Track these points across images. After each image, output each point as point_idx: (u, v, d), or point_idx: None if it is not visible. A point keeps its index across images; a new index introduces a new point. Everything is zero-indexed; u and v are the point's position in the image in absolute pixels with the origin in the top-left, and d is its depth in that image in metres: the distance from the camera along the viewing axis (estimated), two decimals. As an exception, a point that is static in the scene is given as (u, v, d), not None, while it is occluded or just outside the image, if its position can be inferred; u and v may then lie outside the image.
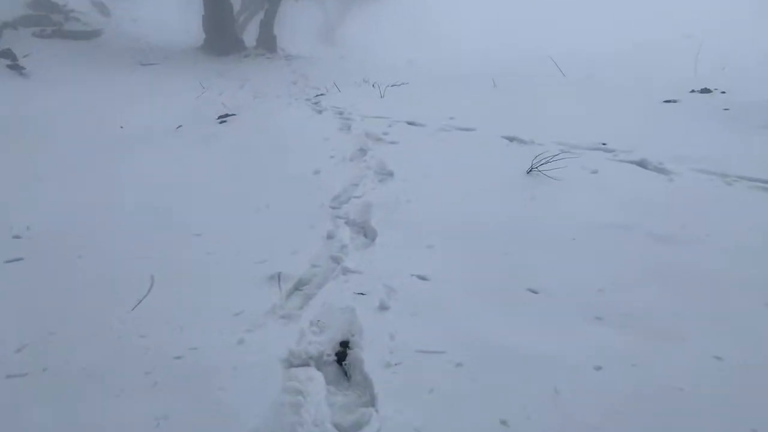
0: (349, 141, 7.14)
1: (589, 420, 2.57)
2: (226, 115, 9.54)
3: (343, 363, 3.10)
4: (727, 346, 2.99)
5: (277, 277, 3.91)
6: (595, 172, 5.42)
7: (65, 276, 4.13)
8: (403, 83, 11.41)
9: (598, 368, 2.87)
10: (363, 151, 6.68)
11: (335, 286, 3.82)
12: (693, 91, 8.32)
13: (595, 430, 2.53)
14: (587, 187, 5.16)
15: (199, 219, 5.08)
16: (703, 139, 6.15)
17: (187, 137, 8.41)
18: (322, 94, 11.56)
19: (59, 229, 4.99)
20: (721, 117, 6.89)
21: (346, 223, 4.88)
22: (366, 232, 4.71)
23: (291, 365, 3.02)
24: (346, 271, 3.99)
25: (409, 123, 7.69)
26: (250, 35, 23.64)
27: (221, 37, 20.83)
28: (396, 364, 2.96)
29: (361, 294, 3.66)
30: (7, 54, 13.64)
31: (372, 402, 2.74)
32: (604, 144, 6.18)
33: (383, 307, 3.48)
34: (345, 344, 3.21)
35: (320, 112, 9.13)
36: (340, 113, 8.77)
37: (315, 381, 2.89)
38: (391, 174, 5.81)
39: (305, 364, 3.04)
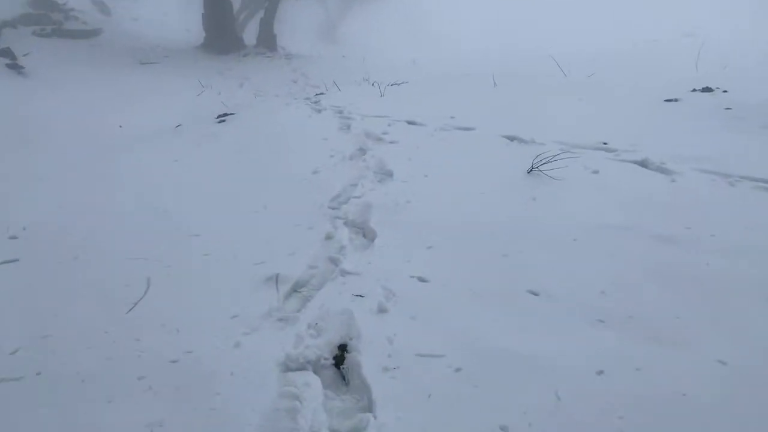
0: (349, 140, 7.10)
1: (591, 427, 2.52)
2: (225, 115, 9.49)
3: (341, 367, 3.05)
4: (731, 349, 2.94)
5: (275, 279, 3.87)
6: (596, 171, 5.37)
7: (61, 277, 4.08)
8: (403, 82, 11.38)
9: (600, 373, 2.82)
10: (362, 151, 6.64)
11: (333, 288, 3.78)
12: (694, 90, 8.25)
13: (596, 436, 2.49)
14: (588, 187, 5.11)
15: (197, 219, 5.04)
16: (705, 139, 6.10)
17: (185, 137, 8.37)
18: (322, 93, 11.52)
19: (56, 230, 4.95)
20: (723, 116, 6.84)
21: (345, 223, 4.83)
22: (365, 232, 4.67)
23: (288, 369, 2.98)
24: (344, 272, 3.95)
25: (409, 122, 7.64)
26: (250, 34, 23.58)
27: (221, 35, 20.77)
28: (394, 368, 2.92)
29: (360, 296, 3.62)
30: (7, 53, 13.57)
31: (370, 407, 2.70)
32: (605, 143, 6.13)
33: (382, 310, 3.43)
34: (343, 348, 3.17)
35: (320, 111, 9.08)
36: (340, 112, 8.72)
37: (312, 386, 2.85)
38: (390, 174, 5.77)
39: (302, 369, 3.00)
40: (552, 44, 12.46)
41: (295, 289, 3.85)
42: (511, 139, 6.54)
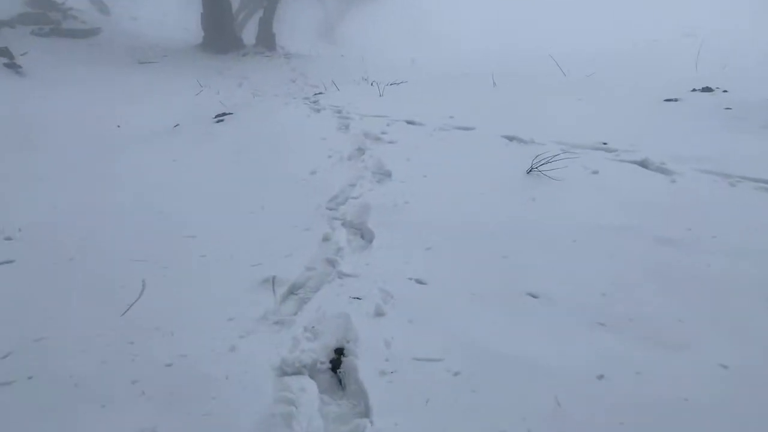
0: (347, 140, 7.07)
1: (591, 432, 2.49)
2: (224, 114, 9.46)
3: (338, 371, 3.01)
4: (733, 353, 2.89)
5: (271, 281, 3.82)
6: (596, 172, 5.33)
7: (56, 279, 4.04)
8: (402, 82, 11.34)
9: (601, 377, 2.77)
10: (361, 151, 6.61)
11: (330, 291, 3.73)
12: (694, 89, 8.23)
13: (597, 442, 2.45)
14: (588, 187, 5.07)
15: (194, 220, 5.00)
16: (706, 139, 6.07)
17: (183, 136, 8.34)
18: (320, 93, 11.48)
19: (52, 231, 4.91)
20: (723, 116, 6.81)
21: (343, 224, 4.79)
22: (363, 233, 4.63)
23: (284, 374, 2.93)
24: (341, 274, 3.90)
25: (408, 122, 7.61)
26: (249, 33, 23.59)
27: (220, 35, 20.76)
28: (392, 373, 2.87)
29: (357, 299, 3.57)
30: (4, 52, 13.53)
31: (366, 413, 2.65)
32: (605, 143, 6.10)
33: (379, 313, 3.39)
34: (340, 351, 3.12)
35: (318, 111, 9.05)
36: (339, 112, 8.70)
37: (308, 391, 2.80)
38: (389, 174, 5.73)
39: (298, 373, 2.95)
40: (552, 44, 12.43)
41: (292, 291, 3.80)
42: (511, 139, 6.51)
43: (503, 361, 2.91)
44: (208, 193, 5.74)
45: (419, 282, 3.74)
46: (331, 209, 5.12)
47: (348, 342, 3.16)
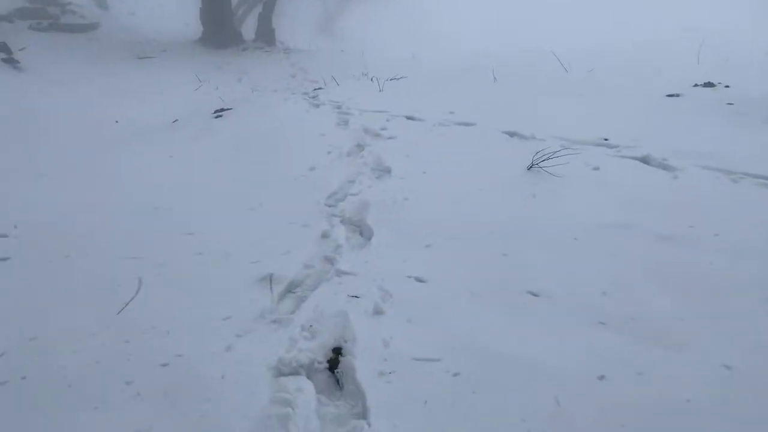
0: (347, 136, 7.02)
1: (592, 434, 2.45)
2: (223, 110, 9.40)
3: (335, 371, 2.97)
4: (736, 353, 2.86)
5: (269, 279, 3.78)
6: (597, 168, 5.29)
7: (51, 277, 3.99)
8: (402, 77, 11.29)
9: (602, 377, 2.73)
10: (360, 147, 6.57)
11: (329, 289, 3.69)
12: (696, 85, 8.18)
13: (598, 444, 2.41)
14: (589, 184, 5.03)
15: (191, 217, 4.97)
16: (708, 134, 6.03)
17: (182, 132, 8.29)
18: (320, 88, 11.44)
19: (48, 228, 4.87)
20: (725, 111, 6.76)
21: (342, 221, 4.75)
22: (362, 231, 4.59)
23: (280, 374, 2.89)
24: (340, 272, 3.86)
25: (408, 117, 7.57)
26: (248, 28, 23.52)
27: (219, 30, 20.70)
28: (390, 373, 2.83)
29: (355, 297, 3.53)
30: (2, 47, 13.49)
31: (364, 414, 2.61)
32: (606, 139, 6.06)
33: (378, 312, 3.34)
34: (337, 351, 3.08)
35: (318, 106, 9.00)
36: (338, 107, 8.65)
37: (305, 391, 2.75)
38: (388, 171, 5.69)
39: (295, 373, 2.91)
40: (552, 43, 12.35)
41: (290, 289, 3.76)
42: (511, 134, 6.46)
43: (503, 361, 2.87)
44: (205, 189, 5.70)
45: (418, 280, 3.70)
46: (329, 206, 5.08)
47: (346, 341, 3.12)
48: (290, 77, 16.74)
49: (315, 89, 11.38)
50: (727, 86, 7.93)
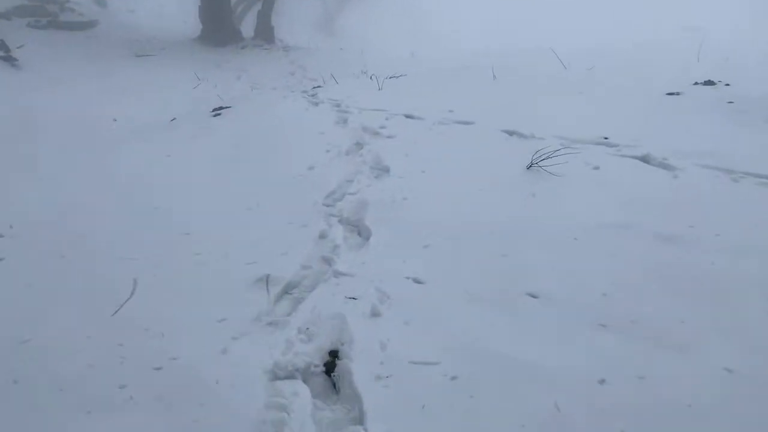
0: (346, 135, 6.98)
1: (592, 440, 2.41)
2: (221, 108, 9.36)
3: (332, 374, 2.93)
4: (738, 356, 2.82)
5: (266, 280, 3.74)
6: (597, 167, 5.24)
7: (46, 278, 3.95)
8: (401, 75, 11.24)
9: (602, 381, 2.69)
10: (359, 146, 6.52)
11: (326, 290, 3.65)
12: (696, 83, 8.14)
13: (598, 450, 2.37)
14: (589, 183, 4.99)
15: (188, 217, 4.93)
16: (708, 133, 5.99)
17: (180, 131, 8.24)
18: (319, 86, 11.39)
19: (43, 228, 4.84)
20: (725, 110, 6.71)
21: (340, 221, 4.71)
22: (360, 231, 4.56)
23: (276, 378, 2.85)
24: (337, 273, 3.82)
25: (407, 116, 7.51)
26: (247, 26, 23.44)
27: (218, 27, 20.61)
28: (387, 377, 2.79)
29: (353, 299, 3.49)
30: (0, 45, 13.42)
31: (361, 419, 2.57)
32: (606, 138, 6.01)
33: (375, 314, 3.31)
34: (334, 354, 3.04)
35: (317, 104, 8.95)
36: (337, 106, 8.59)
37: (300, 395, 2.72)
38: (387, 170, 5.65)
39: (291, 377, 2.87)
40: (552, 43, 12.28)
41: (287, 290, 3.73)
42: (511, 133, 6.41)
43: (502, 364, 2.84)
44: (203, 189, 5.66)
45: (416, 281, 3.66)
46: (328, 205, 5.04)
47: (343, 344, 3.08)
48: (289, 75, 16.67)
49: (314, 87, 11.32)
50: (728, 84, 7.88)
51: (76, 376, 2.87)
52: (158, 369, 2.91)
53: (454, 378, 2.76)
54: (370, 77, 11.19)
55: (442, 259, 3.93)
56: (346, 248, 4.25)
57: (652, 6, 25.33)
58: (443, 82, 9.85)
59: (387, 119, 7.41)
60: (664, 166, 5.19)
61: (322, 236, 4.43)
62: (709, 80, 8.13)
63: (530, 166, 5.29)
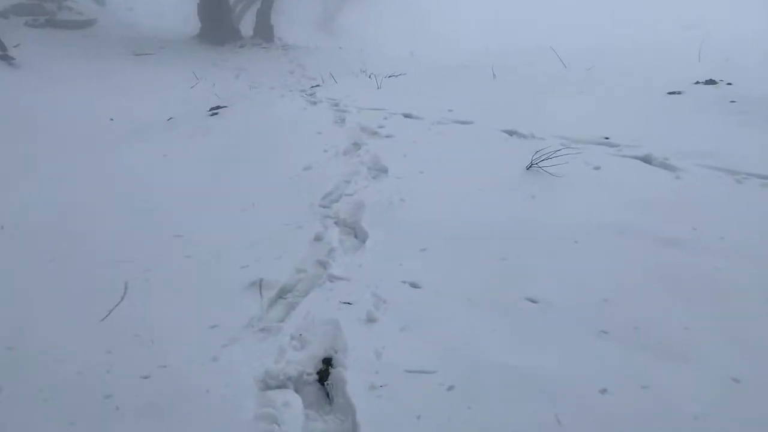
0: (343, 135, 6.90)
1: (594, 453, 2.32)
2: (218, 107, 9.29)
3: (325, 383, 2.84)
4: (744, 365, 2.72)
5: (259, 285, 3.65)
6: (597, 168, 5.15)
7: (34, 282, 3.88)
8: (401, 74, 11.17)
9: (604, 391, 2.60)
10: (357, 146, 6.45)
11: (320, 295, 3.56)
12: (698, 82, 8.05)
13: (600, 463, 2.28)
14: (590, 184, 4.90)
15: (182, 218, 4.85)
16: (710, 133, 5.90)
17: (176, 130, 8.18)
18: (317, 85, 11.34)
19: (35, 230, 4.77)
20: (727, 110, 6.63)
21: (336, 223, 4.63)
22: (356, 233, 4.47)
23: (267, 387, 2.76)
24: (332, 277, 3.73)
25: (406, 115, 7.44)
26: (246, 25, 23.39)
27: (217, 26, 20.56)
28: (381, 387, 2.70)
29: (348, 304, 3.40)
30: (-3, 44, 13.38)
31: (354, 430, 2.49)
32: (606, 138, 5.93)
33: (371, 319, 3.22)
34: (328, 362, 2.96)
35: (315, 103, 8.88)
36: (336, 105, 8.53)
37: (292, 406, 2.63)
38: (385, 170, 5.56)
39: (283, 386, 2.78)
40: (552, 43, 12.20)
41: (281, 295, 3.64)
42: (511, 133, 6.33)
43: (500, 373, 2.74)
44: (198, 189, 5.58)
45: (413, 286, 3.57)
46: (324, 207, 4.95)
47: (336, 352, 2.99)
48: (288, 74, 16.63)
49: (313, 86, 11.26)
50: (730, 83, 7.80)
51: (61, 385, 2.79)
52: (146, 378, 2.83)
53: (451, 388, 2.67)
54: (369, 76, 11.14)
55: (439, 263, 3.84)
56: (342, 251, 4.16)
57: (651, 5, 25.29)
58: (442, 82, 9.79)
59: (385, 119, 7.33)
60: (666, 166, 5.10)
61: (318, 238, 4.34)
62: (711, 79, 8.05)
63: (530, 167, 5.20)
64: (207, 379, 2.80)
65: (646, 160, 5.30)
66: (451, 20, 27.13)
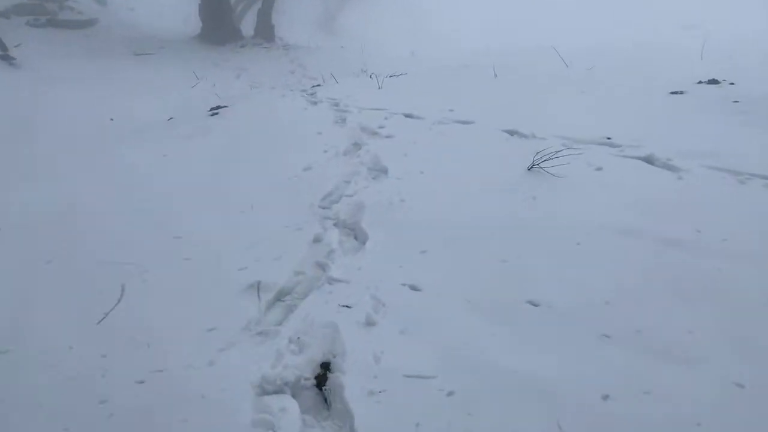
0: (344, 135, 6.85)
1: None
2: (219, 107, 9.24)
3: (323, 388, 2.80)
4: (749, 370, 2.68)
5: (257, 287, 3.61)
6: (599, 168, 5.11)
7: (31, 284, 3.84)
8: (402, 74, 11.12)
9: (606, 397, 2.56)
10: (357, 146, 6.40)
11: (319, 297, 3.52)
12: (700, 82, 8.01)
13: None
14: (592, 185, 4.85)
15: (181, 220, 4.81)
16: (713, 133, 5.86)
17: (176, 130, 8.12)
18: (318, 85, 11.27)
19: (31, 231, 4.73)
20: (730, 109, 6.59)
21: (335, 224, 4.58)
22: (356, 234, 4.43)
23: (264, 392, 2.72)
24: (331, 280, 3.69)
25: (407, 115, 7.38)
26: (247, 24, 23.32)
27: (218, 26, 20.50)
28: (380, 392, 2.66)
29: (347, 307, 3.36)
30: (-3, 44, 13.32)
31: (351, 437, 2.45)
32: (608, 138, 5.88)
33: (370, 323, 3.18)
34: (326, 366, 2.92)
35: (315, 103, 8.82)
36: (336, 105, 8.47)
37: (289, 412, 2.59)
38: (385, 171, 5.52)
39: (280, 391, 2.74)
40: (552, 42, 12.15)
41: (279, 297, 3.60)
42: (512, 133, 6.28)
43: (500, 378, 2.70)
44: (197, 190, 5.53)
45: (413, 288, 3.53)
46: (324, 208, 4.91)
47: (335, 356, 2.96)
48: (289, 74, 16.57)
49: (313, 86, 11.20)
50: (732, 83, 7.76)
51: (55, 390, 2.76)
52: (141, 382, 2.79)
53: (450, 393, 2.63)
54: (370, 76, 11.08)
55: (440, 265, 3.80)
56: (341, 253, 4.12)
57: (651, 5, 25.21)
58: (443, 81, 9.73)
59: (386, 119, 7.28)
60: (669, 167, 5.06)
61: (317, 240, 4.30)
62: (713, 79, 8.01)
63: (531, 167, 5.15)
64: (203, 384, 2.76)
65: (649, 160, 5.26)
66: (452, 20, 27.05)
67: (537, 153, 5.22)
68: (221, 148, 6.88)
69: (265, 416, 2.53)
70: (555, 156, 5.13)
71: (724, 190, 4.62)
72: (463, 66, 11.22)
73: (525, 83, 9.00)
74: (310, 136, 6.89)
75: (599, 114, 6.86)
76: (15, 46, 13.89)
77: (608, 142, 5.80)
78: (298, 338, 3.11)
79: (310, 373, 2.88)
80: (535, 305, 3.28)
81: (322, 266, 3.92)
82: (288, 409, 2.61)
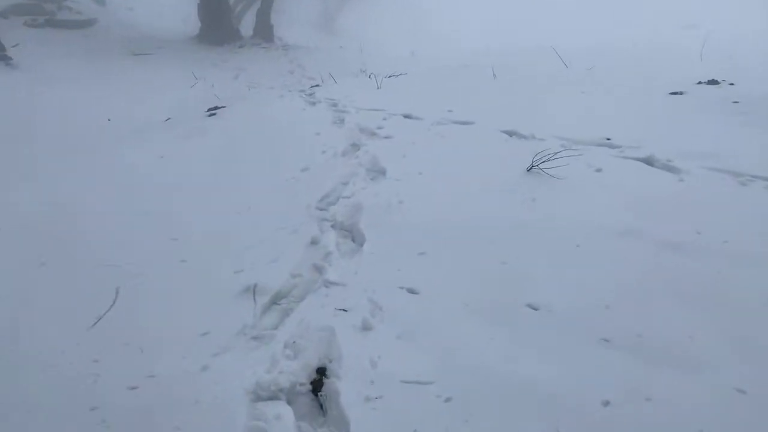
0: (342, 135, 6.81)
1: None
2: (217, 108, 9.21)
3: (319, 394, 2.76)
4: (751, 375, 2.64)
5: (252, 290, 3.57)
6: (599, 170, 5.06)
7: (24, 288, 3.81)
8: (401, 74, 11.09)
9: (606, 403, 2.52)
10: (356, 147, 6.35)
11: (316, 301, 3.48)
12: (700, 82, 7.97)
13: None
14: (591, 186, 4.81)
15: (177, 221, 4.78)
16: (713, 134, 5.81)
17: (174, 131, 8.09)
18: (317, 85, 11.24)
19: (27, 232, 4.70)
20: (730, 110, 6.54)
21: (333, 226, 4.54)
22: (354, 236, 4.38)
23: (258, 398, 2.68)
24: (328, 283, 3.64)
25: (405, 116, 7.35)
26: (246, 25, 23.31)
27: (217, 26, 20.47)
28: (377, 398, 2.62)
29: (343, 310, 3.32)
30: (-5, 44, 13.30)
31: (347, 445, 2.41)
32: (608, 139, 5.84)
33: (366, 327, 3.13)
34: (321, 371, 2.87)
35: (314, 104, 8.79)
36: (335, 105, 8.43)
37: (284, 419, 2.54)
38: (383, 172, 5.47)
39: (274, 398, 2.69)
40: (552, 42, 12.12)
41: (275, 301, 3.55)
42: (511, 134, 6.24)
43: (499, 384, 2.66)
44: (194, 192, 5.50)
45: (411, 291, 3.49)
46: (321, 209, 4.86)
47: (331, 361, 2.91)
48: (288, 74, 16.55)
49: (312, 86, 11.17)
50: (732, 84, 7.72)
51: (46, 396, 2.71)
52: (134, 388, 2.75)
53: (448, 399, 2.59)
54: (369, 76, 11.05)
55: (438, 268, 3.76)
56: (338, 255, 4.08)
57: (651, 5, 25.21)
58: (443, 82, 9.70)
59: (385, 119, 7.25)
60: (669, 168, 5.02)
61: (314, 242, 4.26)
62: (713, 79, 7.97)
63: (530, 169, 5.11)
64: (197, 390, 2.71)
65: (648, 161, 5.22)
66: (451, 20, 27.05)
67: (536, 154, 5.17)
68: (219, 149, 6.85)
69: (259, 423, 2.49)
70: (554, 157, 5.08)
71: (725, 191, 4.58)
72: (463, 66, 11.19)
73: (524, 83, 8.96)
74: (308, 136, 6.86)
75: (599, 114, 6.81)
76: (13, 47, 13.87)
77: (608, 143, 5.76)
78: (294, 342, 3.06)
79: (305, 378, 2.83)
80: (535, 308, 3.23)
81: (318, 269, 3.88)
82: (283, 416, 2.56)
